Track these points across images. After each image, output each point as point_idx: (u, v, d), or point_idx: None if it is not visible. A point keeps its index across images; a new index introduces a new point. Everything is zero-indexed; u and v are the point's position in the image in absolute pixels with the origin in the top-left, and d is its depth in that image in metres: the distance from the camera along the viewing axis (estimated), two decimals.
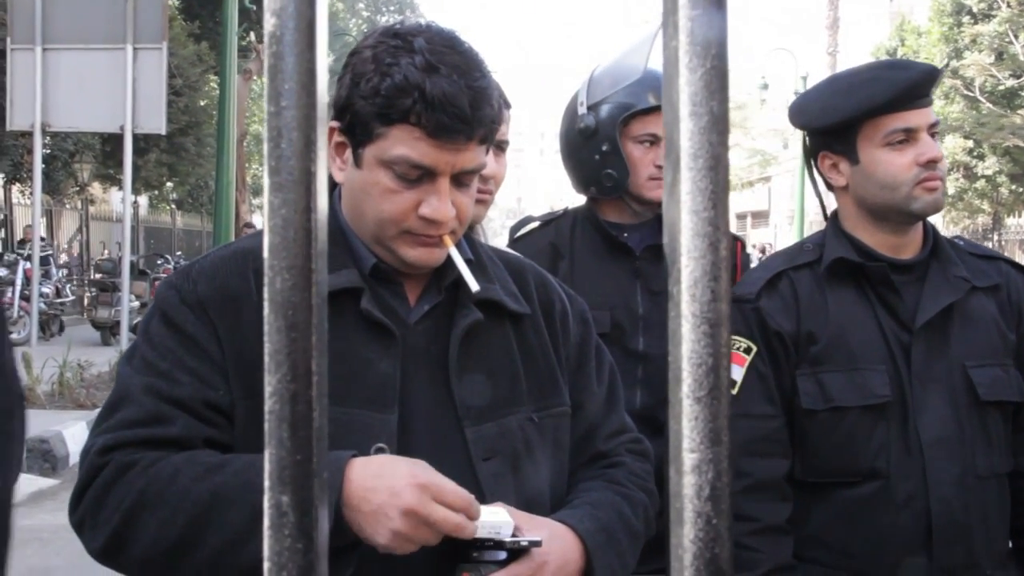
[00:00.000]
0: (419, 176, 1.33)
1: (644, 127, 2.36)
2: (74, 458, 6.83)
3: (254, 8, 16.50)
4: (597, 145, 2.38)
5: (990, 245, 21.37)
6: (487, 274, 1.47)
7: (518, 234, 2.53)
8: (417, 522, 1.19)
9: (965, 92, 22.87)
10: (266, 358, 0.35)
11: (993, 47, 22.28)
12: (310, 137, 0.35)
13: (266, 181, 0.35)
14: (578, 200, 2.60)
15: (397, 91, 1.29)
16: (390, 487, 1.20)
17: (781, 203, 38.28)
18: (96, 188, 24.70)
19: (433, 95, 1.28)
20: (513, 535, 1.26)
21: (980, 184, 23.77)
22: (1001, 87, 22.49)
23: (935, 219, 2.04)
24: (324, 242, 0.36)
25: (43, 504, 6.03)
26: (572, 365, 1.54)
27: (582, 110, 2.43)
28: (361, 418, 1.32)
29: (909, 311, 1.89)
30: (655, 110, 2.36)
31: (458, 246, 1.40)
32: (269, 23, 0.35)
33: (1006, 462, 1.89)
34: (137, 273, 15.79)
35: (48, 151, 17.81)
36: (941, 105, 22.70)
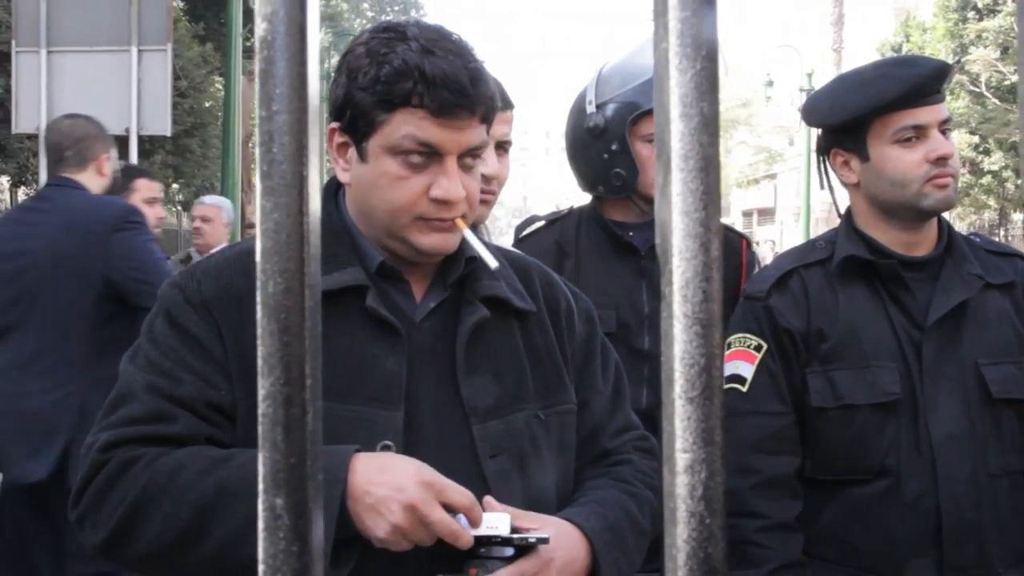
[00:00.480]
0: (426, 159, 1.34)
1: (653, 127, 2.36)
2: None
3: None
4: (606, 144, 2.38)
5: (996, 240, 21.28)
6: (492, 272, 1.47)
7: (523, 233, 2.53)
8: (417, 519, 1.19)
9: (971, 88, 22.80)
10: (259, 362, 0.36)
11: (998, 42, 22.19)
12: (302, 141, 0.35)
13: (258, 185, 0.35)
14: (583, 199, 2.59)
15: (397, 75, 1.31)
16: (394, 482, 1.21)
17: (787, 200, 38.20)
18: None
19: (434, 74, 1.30)
20: (515, 531, 1.27)
21: (986, 180, 23.70)
22: (1007, 82, 22.39)
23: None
24: (317, 246, 0.36)
25: None
26: (578, 363, 1.54)
27: (590, 109, 2.42)
28: (367, 415, 1.32)
29: (921, 308, 1.87)
30: None
31: None
32: (260, 27, 0.35)
33: (1020, 460, 1.87)
34: None
35: None
36: (947, 101, 22.59)
